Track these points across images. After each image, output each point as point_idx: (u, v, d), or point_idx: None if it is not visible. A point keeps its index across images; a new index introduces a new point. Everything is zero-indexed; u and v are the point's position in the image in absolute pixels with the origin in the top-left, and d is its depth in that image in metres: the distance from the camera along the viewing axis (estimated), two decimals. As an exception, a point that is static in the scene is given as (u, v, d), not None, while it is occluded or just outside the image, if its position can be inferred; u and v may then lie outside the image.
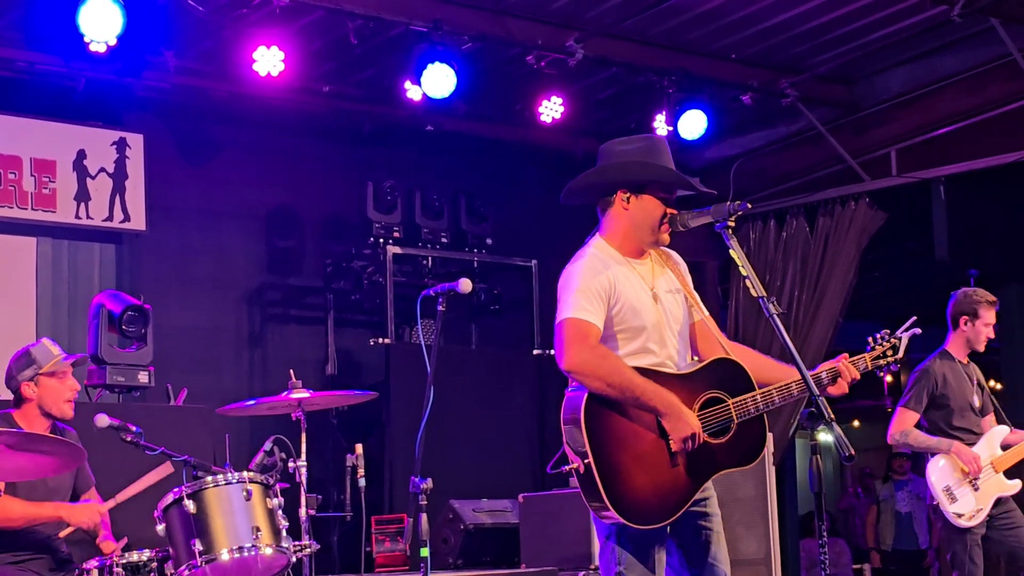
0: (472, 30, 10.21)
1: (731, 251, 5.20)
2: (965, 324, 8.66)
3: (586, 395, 5.19)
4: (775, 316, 5.11)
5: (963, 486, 8.38)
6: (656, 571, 5.30)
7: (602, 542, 5.37)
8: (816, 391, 5.07)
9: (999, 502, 8.46)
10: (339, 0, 9.71)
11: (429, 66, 9.91)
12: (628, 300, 5.33)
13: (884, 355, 5.53)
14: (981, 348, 8.72)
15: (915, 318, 5.82)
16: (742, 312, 12.89)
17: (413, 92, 10.36)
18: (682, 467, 5.22)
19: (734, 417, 5.31)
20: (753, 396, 5.34)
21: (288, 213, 11.58)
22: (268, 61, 9.58)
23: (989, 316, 8.67)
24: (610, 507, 5.11)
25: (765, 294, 5.13)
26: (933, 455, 8.53)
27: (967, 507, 8.36)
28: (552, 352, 11.20)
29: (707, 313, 5.63)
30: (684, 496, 5.23)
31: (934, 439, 8.50)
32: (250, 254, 11.44)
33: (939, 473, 8.45)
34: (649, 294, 5.40)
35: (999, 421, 8.73)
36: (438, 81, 9.97)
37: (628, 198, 5.39)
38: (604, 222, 5.50)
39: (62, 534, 6.97)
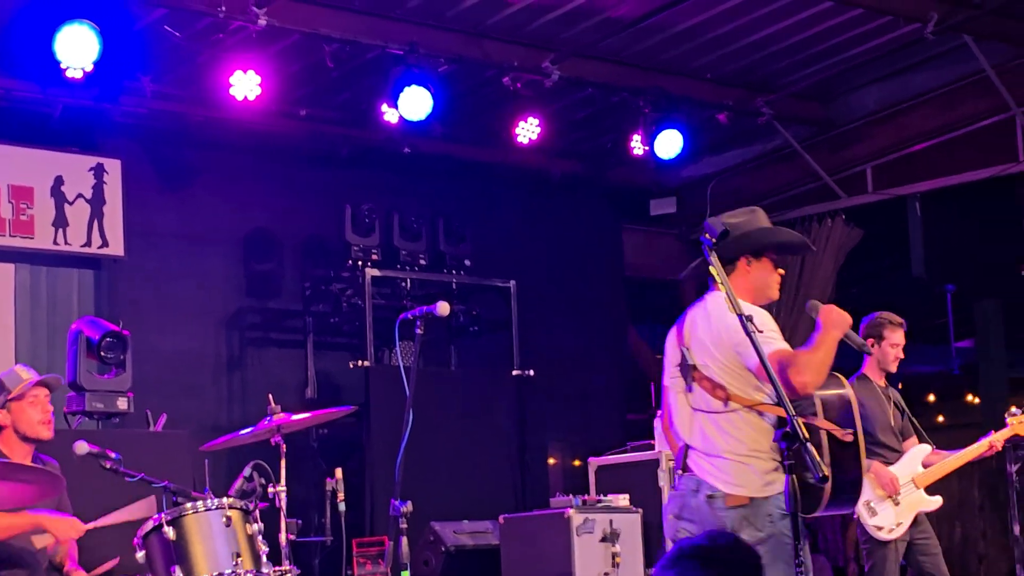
0: (448, 52, 10.32)
1: (711, 268, 5.29)
2: (872, 347, 8.77)
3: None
4: (754, 334, 5.16)
5: (884, 501, 8.59)
6: None
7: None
8: (792, 411, 5.13)
9: (919, 522, 8.64)
10: (315, 24, 9.82)
11: (405, 89, 9.97)
12: None
13: None
14: (892, 369, 8.82)
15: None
16: (721, 330, 12.94)
17: (390, 115, 10.41)
18: None
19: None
20: None
21: (266, 237, 11.64)
22: (245, 85, 9.67)
23: (895, 337, 8.81)
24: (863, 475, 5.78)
25: (743, 312, 5.19)
26: None
27: (887, 520, 8.55)
28: (531, 372, 11.28)
29: None
30: None
31: None
32: (229, 278, 11.48)
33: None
34: None
35: (921, 441, 8.92)
36: (415, 104, 10.04)
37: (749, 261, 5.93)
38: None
39: (39, 544, 6.95)
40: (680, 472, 5.85)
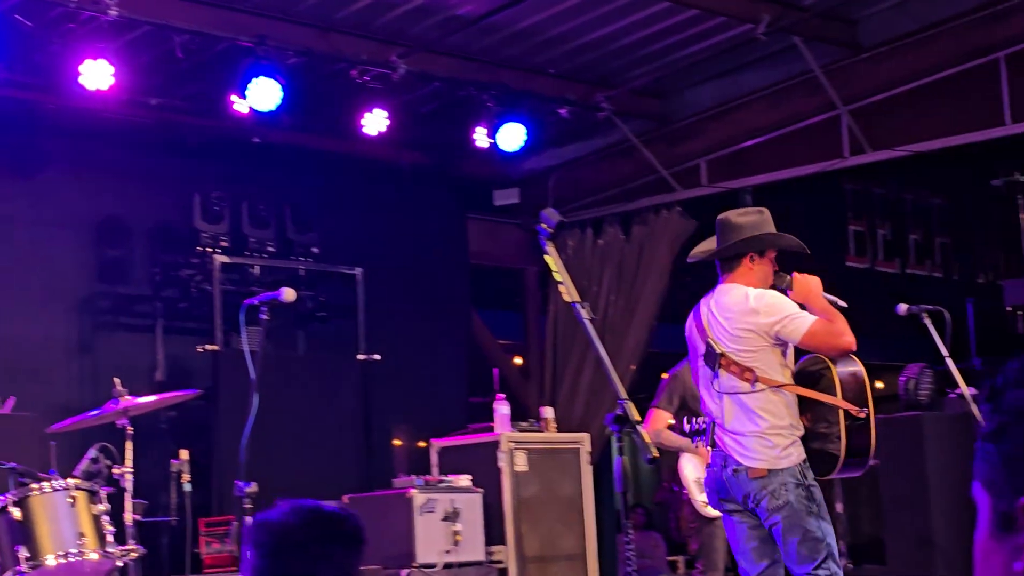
0: (297, 45, 10.41)
1: (546, 256, 5.54)
2: None
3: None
4: (587, 321, 5.42)
5: None
6: None
7: None
8: (624, 394, 5.44)
9: None
10: (165, 15, 9.87)
11: (254, 80, 10.07)
12: None
13: None
14: None
15: None
16: (561, 317, 13.18)
17: (240, 105, 10.43)
18: None
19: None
20: None
21: (117, 223, 11.61)
22: (97, 75, 9.70)
23: None
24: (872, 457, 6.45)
25: (579, 299, 5.45)
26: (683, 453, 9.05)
27: None
28: (377, 357, 11.45)
29: None
30: None
31: (683, 440, 8.95)
32: (80, 263, 11.44)
33: (691, 468, 8.96)
34: None
35: None
36: (264, 94, 10.14)
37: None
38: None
39: None
40: (710, 448, 6.59)
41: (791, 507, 6.34)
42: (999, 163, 12.10)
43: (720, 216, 6.76)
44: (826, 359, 6.45)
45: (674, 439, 9.04)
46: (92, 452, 7.14)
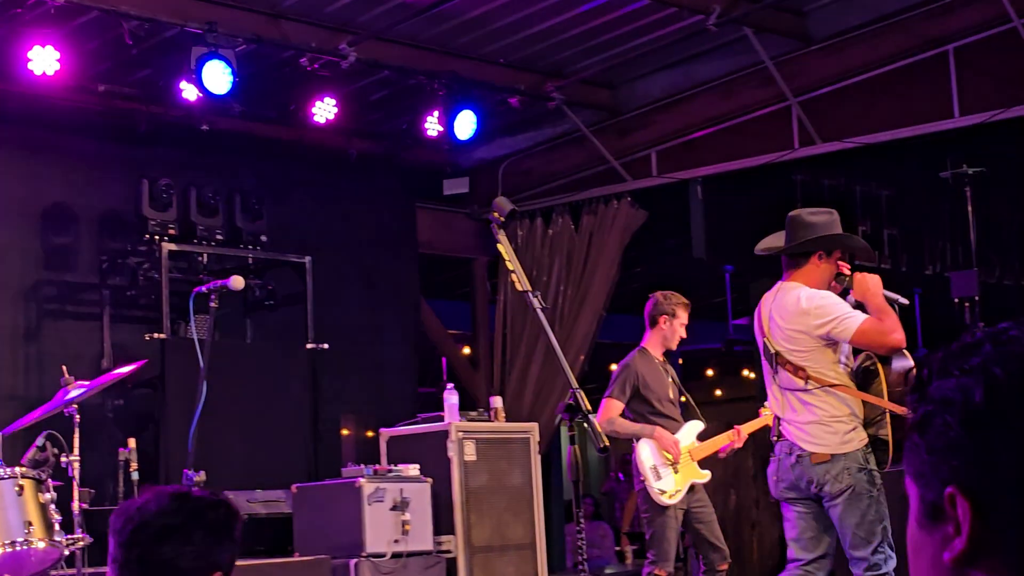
0: (247, 32, 10.34)
1: (499, 245, 5.57)
2: (664, 323, 9.22)
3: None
4: (539, 310, 5.47)
5: (666, 467, 8.97)
6: None
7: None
8: (575, 383, 5.45)
9: (695, 490, 9.07)
10: (114, 1, 9.77)
11: (207, 63, 10.00)
12: None
13: None
14: (674, 346, 9.33)
15: None
16: (511, 307, 13.20)
17: (189, 92, 10.42)
18: None
19: None
20: None
21: (64, 210, 11.50)
22: (43, 60, 9.63)
23: (684, 316, 9.34)
24: None
25: (531, 288, 5.48)
26: (638, 440, 9.10)
27: (669, 485, 8.95)
28: (325, 346, 11.44)
29: None
30: None
31: (637, 425, 9.07)
32: (25, 251, 11.33)
33: (647, 454, 9.02)
34: None
35: (694, 417, 9.38)
36: (214, 79, 10.07)
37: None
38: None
39: None
40: (775, 439, 6.91)
41: (853, 491, 6.63)
42: (947, 155, 12.15)
43: (791, 213, 6.97)
44: (875, 356, 6.73)
45: (628, 426, 9.11)
46: (39, 440, 7.08)
